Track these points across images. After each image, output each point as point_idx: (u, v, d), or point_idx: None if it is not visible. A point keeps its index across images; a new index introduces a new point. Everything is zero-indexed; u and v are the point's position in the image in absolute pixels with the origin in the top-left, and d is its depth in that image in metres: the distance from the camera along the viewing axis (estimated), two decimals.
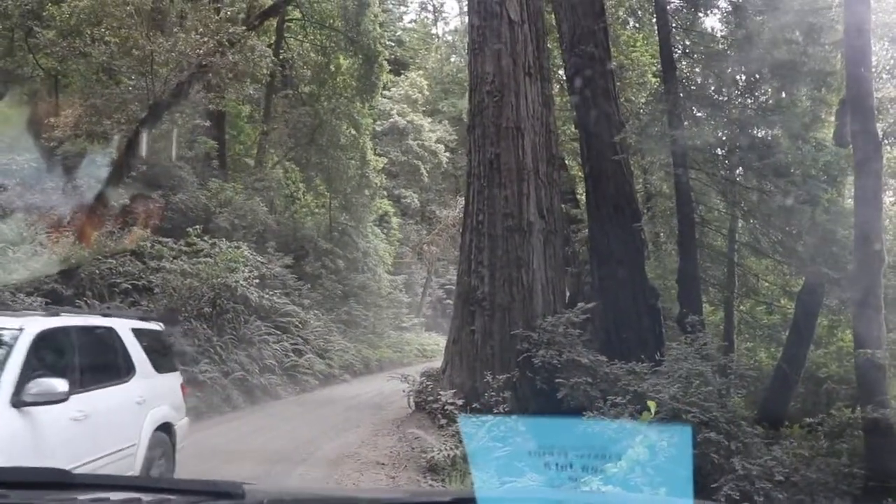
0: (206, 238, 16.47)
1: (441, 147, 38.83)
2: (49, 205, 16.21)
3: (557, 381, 11.10)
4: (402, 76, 39.90)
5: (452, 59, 49.21)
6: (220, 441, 10.87)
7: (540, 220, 12.90)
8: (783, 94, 15.18)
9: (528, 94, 13.40)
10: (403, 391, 13.24)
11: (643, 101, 19.89)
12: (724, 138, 14.84)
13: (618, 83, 16.78)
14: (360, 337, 23.59)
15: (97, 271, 14.55)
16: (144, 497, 2.02)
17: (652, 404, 4.75)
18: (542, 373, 11.38)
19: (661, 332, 14.47)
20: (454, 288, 34.65)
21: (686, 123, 14.15)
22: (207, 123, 20.16)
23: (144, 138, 16.31)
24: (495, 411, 10.72)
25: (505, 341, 12.19)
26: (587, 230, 16.10)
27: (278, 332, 17.57)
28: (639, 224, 14.54)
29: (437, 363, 16.67)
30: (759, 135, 13.73)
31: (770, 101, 14.40)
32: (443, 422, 11.28)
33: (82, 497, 2.11)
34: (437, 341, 29.76)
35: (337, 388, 18.31)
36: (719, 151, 15.07)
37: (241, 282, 16.02)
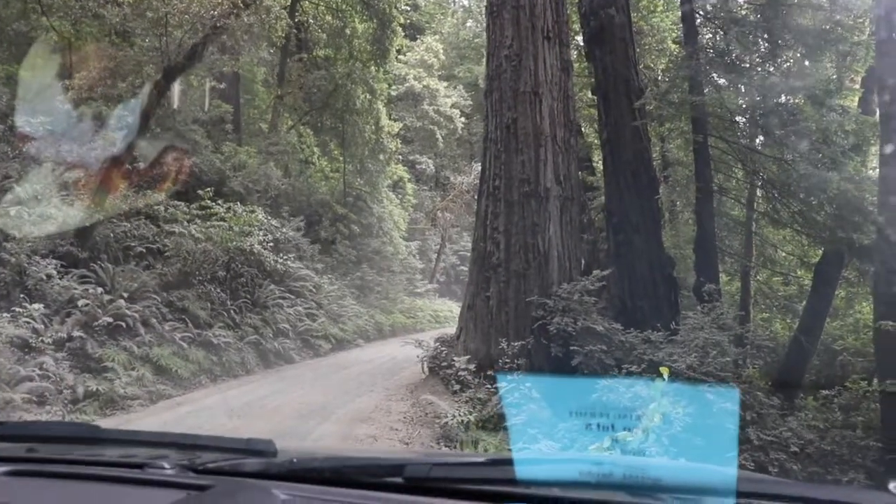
0: (220, 202, 16.45)
1: (456, 112, 38.51)
2: (63, 167, 16.20)
3: (572, 348, 11.04)
4: (418, 41, 39.48)
5: (468, 24, 48.65)
6: (236, 405, 10.92)
7: (557, 186, 12.76)
8: (806, 63, 14.85)
9: (547, 58, 13.18)
10: (417, 356, 13.25)
11: (662, 67, 19.60)
12: (744, 105, 14.58)
13: (637, 49, 16.47)
14: (373, 302, 23.62)
15: (112, 234, 14.58)
16: (174, 453, 2.00)
17: (665, 370, 4.64)
18: (557, 340, 11.32)
19: (676, 301, 14.34)
20: (468, 254, 34.70)
21: (707, 90, 13.90)
22: (222, 85, 20.02)
23: (158, 101, 16.18)
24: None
25: (520, 308, 12.13)
26: (603, 197, 15.91)
27: (292, 297, 17.61)
28: (657, 195, 14.33)
29: (450, 329, 16.64)
30: (782, 102, 13.43)
31: (794, 69, 14.09)
32: (456, 388, 11.28)
33: (111, 452, 2.10)
34: (451, 307, 29.79)
35: (350, 353, 18.38)
36: (740, 119, 14.80)
37: (256, 245, 16.00)
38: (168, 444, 2.18)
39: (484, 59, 37.59)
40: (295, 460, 1.88)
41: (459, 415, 9.07)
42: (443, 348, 12.94)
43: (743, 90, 14.36)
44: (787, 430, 8.72)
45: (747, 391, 9.29)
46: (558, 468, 1.81)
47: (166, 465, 1.88)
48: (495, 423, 9.15)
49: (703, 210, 13.89)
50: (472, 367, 11.43)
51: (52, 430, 2.52)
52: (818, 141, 12.35)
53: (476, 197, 31.87)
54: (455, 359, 11.87)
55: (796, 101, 13.83)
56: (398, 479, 1.71)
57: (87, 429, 2.40)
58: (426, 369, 12.98)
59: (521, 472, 1.67)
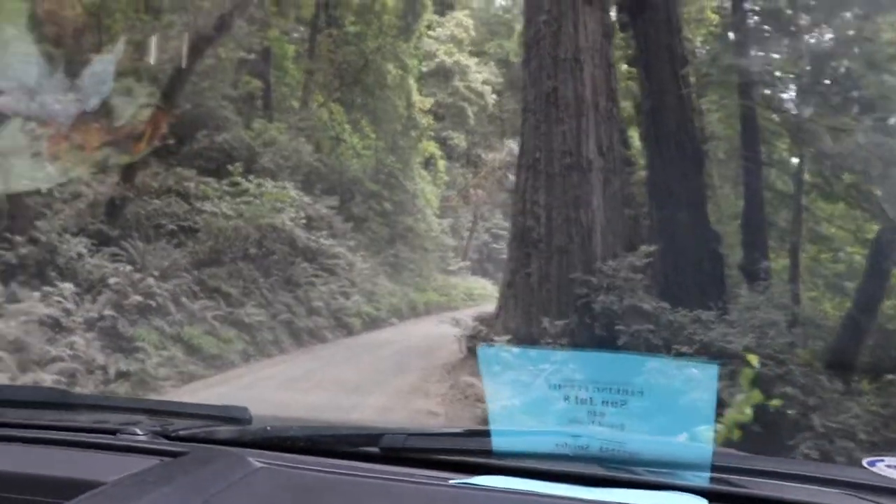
0: (251, 178, 16.20)
1: (488, 89, 37.90)
2: (93, 145, 16.05)
3: (617, 328, 10.57)
4: (447, 16, 38.87)
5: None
6: (268, 386, 10.65)
7: (599, 157, 12.24)
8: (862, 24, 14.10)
9: (588, 23, 12.62)
10: (455, 336, 12.86)
11: (701, 39, 18.95)
12: (795, 73, 13.93)
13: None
14: (406, 280, 23.25)
15: (143, 212, 14.42)
16: (147, 419, 1.98)
17: (753, 358, 4.15)
18: (602, 319, 10.84)
19: (723, 279, 13.76)
20: (500, 232, 34.18)
21: (754, 56, 13.28)
22: (252, 56, 19.69)
23: (187, 76, 15.88)
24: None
25: (563, 285, 11.64)
26: (645, 171, 15.34)
27: (325, 274, 17.27)
28: (704, 168, 13.76)
29: (484, 308, 16.21)
30: (838, 67, 12.73)
31: (849, 31, 13.35)
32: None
33: (82, 418, 2.09)
34: (483, 285, 29.39)
35: (384, 332, 18.04)
36: (791, 86, 14.14)
37: (288, 222, 15.73)
38: (141, 409, 2.17)
39: (514, 35, 36.76)
40: (269, 428, 1.89)
41: (503, 398, 8.65)
42: (482, 327, 12.54)
43: (795, 56, 13.68)
44: (852, 417, 8.18)
45: (807, 374, 8.77)
46: (535, 440, 1.80)
47: (139, 432, 1.86)
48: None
49: (751, 183, 13.33)
50: (513, 347, 10.98)
51: (21, 395, 2.48)
52: (879, 108, 11.67)
53: (508, 174, 31.28)
54: (495, 338, 11.46)
55: (852, 65, 13.11)
56: (374, 449, 1.70)
57: (58, 394, 2.39)
58: (464, 349, 12.58)
59: (498, 443, 1.68)
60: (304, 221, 16.70)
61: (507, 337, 11.37)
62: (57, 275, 11.62)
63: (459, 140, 37.44)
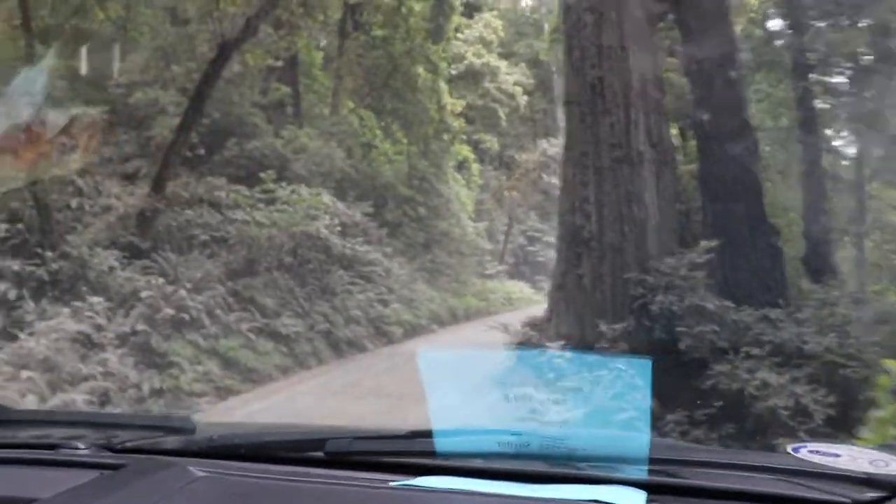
0: (284, 185, 15.83)
1: (518, 90, 37.41)
2: (122, 157, 15.88)
3: (678, 329, 9.85)
4: (475, 18, 38.47)
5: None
6: (308, 401, 10.18)
7: (650, 149, 11.52)
8: None
9: (632, 9, 11.95)
10: (503, 343, 12.25)
11: (741, 27, 18.31)
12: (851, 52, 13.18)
13: None
14: (444, 285, 22.74)
15: (174, 223, 14.11)
16: (91, 433, 1.95)
17: (892, 363, 3.47)
18: (661, 321, 10.12)
19: (783, 275, 13.01)
20: (536, 235, 33.51)
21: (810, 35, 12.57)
22: (280, 63, 19.38)
23: (214, 83, 15.53)
24: None
25: (617, 286, 10.93)
26: (696, 163, 14.64)
27: (362, 282, 16.81)
28: (760, 160, 13.06)
29: (525, 312, 15.54)
30: None
31: None
32: (550, 376, 10.18)
33: (23, 434, 2.06)
34: (522, 289, 28.78)
35: (425, 339, 17.52)
36: (848, 67, 13.40)
37: (322, 230, 15.31)
38: (84, 423, 2.16)
39: (544, 34, 36.18)
40: (214, 437, 1.89)
41: (564, 411, 8.00)
42: (532, 332, 11.89)
43: (853, 33, 12.94)
44: None
45: None
46: (477, 439, 1.78)
47: (81, 446, 1.84)
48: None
49: (812, 171, 12.59)
50: (567, 354, 10.31)
51: None
52: None
53: (542, 174, 30.61)
54: (548, 344, 10.80)
55: None
56: (319, 454, 1.71)
57: None
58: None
59: (441, 444, 1.68)
60: (338, 228, 16.28)
61: (561, 342, 10.71)
62: (88, 289, 11.34)
63: (492, 142, 36.96)
